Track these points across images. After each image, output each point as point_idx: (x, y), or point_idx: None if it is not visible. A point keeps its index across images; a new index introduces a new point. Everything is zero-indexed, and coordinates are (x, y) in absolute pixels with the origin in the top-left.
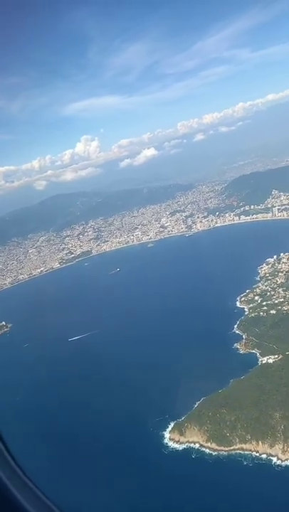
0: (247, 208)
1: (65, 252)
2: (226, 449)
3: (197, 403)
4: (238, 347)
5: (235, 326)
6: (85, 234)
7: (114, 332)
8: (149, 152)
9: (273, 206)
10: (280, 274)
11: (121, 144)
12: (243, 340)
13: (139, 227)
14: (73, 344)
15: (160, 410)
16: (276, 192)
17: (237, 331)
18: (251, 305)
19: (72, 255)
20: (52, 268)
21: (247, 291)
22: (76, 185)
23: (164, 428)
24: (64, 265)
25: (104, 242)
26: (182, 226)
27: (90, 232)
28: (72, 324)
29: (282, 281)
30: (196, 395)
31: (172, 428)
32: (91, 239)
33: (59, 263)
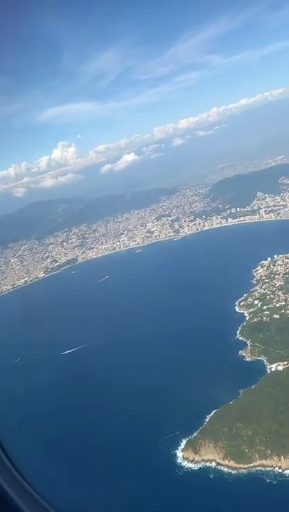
0: (233, 211)
1: (49, 260)
2: (246, 466)
3: (208, 417)
4: (244, 354)
5: (238, 332)
6: (69, 241)
7: (109, 344)
8: (130, 157)
9: (260, 208)
10: (276, 276)
11: (98, 149)
12: (248, 347)
13: (125, 232)
14: (66, 359)
15: (169, 426)
16: (261, 194)
17: (240, 338)
18: (251, 309)
19: (57, 263)
20: (37, 277)
21: (245, 295)
22: (56, 191)
23: (176, 446)
24: (49, 274)
25: (89, 249)
26: (169, 230)
27: (74, 239)
28: (64, 336)
29: (281, 283)
30: (205, 408)
31: (185, 446)
32: (76, 246)
33: (44, 272)
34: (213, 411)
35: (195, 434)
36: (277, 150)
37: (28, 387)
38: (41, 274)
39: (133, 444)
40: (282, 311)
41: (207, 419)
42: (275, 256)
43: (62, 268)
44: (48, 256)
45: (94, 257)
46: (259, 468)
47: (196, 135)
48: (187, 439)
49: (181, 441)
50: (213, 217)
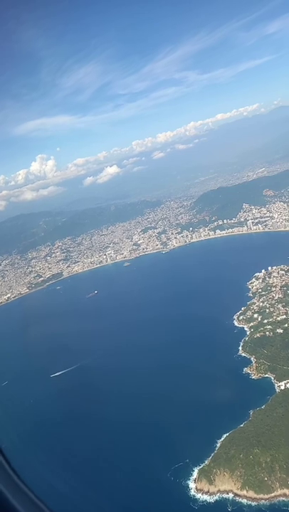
0: (220, 223)
1: (32, 275)
2: (266, 496)
3: (219, 442)
4: (249, 372)
5: (240, 347)
6: (53, 255)
7: (103, 364)
8: (112, 170)
9: (247, 220)
10: (273, 289)
11: (77, 162)
12: (253, 364)
13: (111, 245)
14: (56, 382)
15: (178, 454)
16: (247, 206)
17: (243, 354)
18: (251, 324)
19: (42, 278)
20: (20, 294)
21: (242, 308)
22: (37, 204)
23: (188, 476)
24: (34, 290)
25: (75, 263)
26: (157, 243)
27: (58, 253)
28: (53, 357)
29: (280, 296)
30: (215, 431)
31: (198, 475)
32: (60, 260)
33: (27, 288)
34: (224, 435)
35: (207, 462)
36: (257, 163)
37: (9, 418)
38: (25, 290)
39: (141, 476)
40: (286, 325)
41: (218, 445)
42: (269, 268)
43: (47, 283)
44: (32, 271)
45: (80, 271)
46: (281, 498)
47: (175, 148)
48: (199, 467)
49: (193, 471)
50: (201, 229)
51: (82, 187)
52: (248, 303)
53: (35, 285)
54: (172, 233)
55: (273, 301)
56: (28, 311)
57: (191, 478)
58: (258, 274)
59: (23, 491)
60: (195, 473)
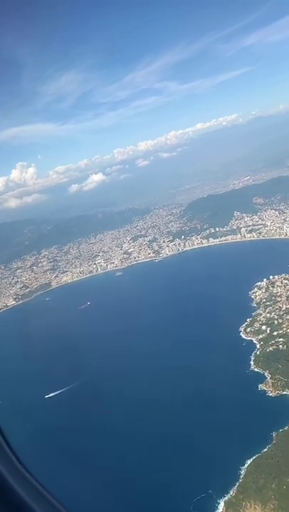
0: (212, 231)
1: (18, 286)
2: None
3: (244, 469)
4: (265, 388)
5: (251, 362)
6: (39, 265)
7: (102, 382)
8: (98, 177)
9: (239, 227)
10: (279, 299)
11: (58, 170)
12: (269, 380)
13: (100, 254)
14: (51, 404)
15: (198, 483)
16: (238, 213)
17: (256, 369)
18: (260, 336)
19: (29, 289)
20: (6, 306)
21: (248, 320)
22: (21, 212)
23: (213, 510)
24: (20, 301)
25: (63, 273)
26: (148, 251)
27: (45, 263)
28: (49, 374)
29: (288, 307)
30: (237, 457)
31: (225, 509)
32: (47, 270)
33: (14, 299)
34: (248, 461)
35: (233, 493)
36: (241, 171)
37: None
38: (11, 302)
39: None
40: None
41: (243, 472)
42: (271, 277)
43: (35, 294)
44: (17, 281)
45: (69, 281)
46: None
47: (158, 157)
48: (224, 499)
49: (218, 503)
50: (193, 237)
51: (67, 194)
52: (253, 314)
53: (23, 296)
54: (164, 241)
55: (281, 312)
56: (17, 324)
57: None
58: (259, 283)
59: (22, 473)
60: (221, 507)
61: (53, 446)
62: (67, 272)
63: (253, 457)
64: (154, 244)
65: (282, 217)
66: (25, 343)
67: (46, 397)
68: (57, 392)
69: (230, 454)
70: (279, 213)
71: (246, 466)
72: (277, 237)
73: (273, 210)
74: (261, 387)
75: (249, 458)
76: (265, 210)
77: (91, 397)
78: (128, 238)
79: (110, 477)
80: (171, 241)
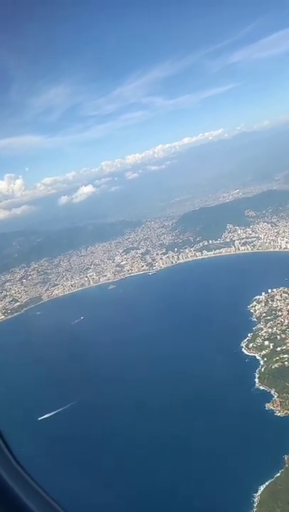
0: (206, 243)
1: (7, 299)
2: None
3: (257, 496)
4: (273, 408)
5: (256, 379)
6: (29, 277)
7: (100, 403)
8: (88, 189)
9: (232, 240)
10: (279, 313)
11: (45, 182)
12: (276, 399)
13: (92, 267)
14: (44, 427)
15: None
16: (231, 226)
17: (261, 387)
18: (263, 352)
19: (18, 303)
20: None
21: (249, 335)
22: (8, 224)
23: None
24: (10, 316)
25: (54, 286)
26: (142, 264)
27: (35, 276)
28: (42, 393)
29: None
30: (248, 483)
31: None
32: (37, 283)
33: (3, 314)
34: (261, 487)
35: None
36: (230, 185)
37: None
38: (0, 317)
39: None
40: None
41: (257, 499)
42: (270, 290)
43: (25, 308)
44: (6, 295)
45: (60, 294)
46: None
47: (147, 170)
48: None
49: None
50: (187, 250)
51: (56, 206)
52: (254, 328)
53: (12, 311)
54: (157, 254)
55: (283, 327)
56: (7, 340)
57: None
58: (258, 297)
59: (21, 475)
60: None
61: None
62: (58, 285)
63: (266, 483)
64: (147, 256)
65: (275, 230)
66: (17, 360)
67: (39, 419)
68: (52, 414)
69: (242, 480)
70: (271, 226)
71: (259, 493)
72: (272, 249)
73: (266, 223)
74: (268, 406)
75: (262, 484)
76: (258, 223)
77: (87, 420)
78: (120, 250)
79: None
80: (164, 253)
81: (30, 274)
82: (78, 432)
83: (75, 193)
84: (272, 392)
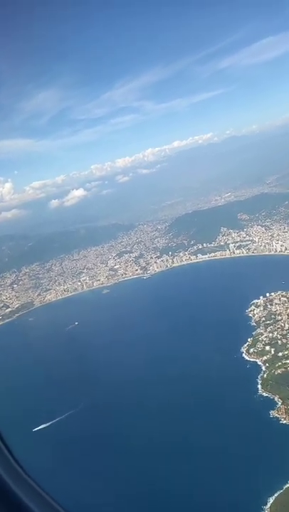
0: (200, 247)
1: None
2: None
3: (266, 509)
4: (278, 415)
5: (259, 386)
6: (20, 282)
7: (98, 412)
8: (79, 193)
9: (227, 243)
10: (279, 317)
11: (34, 185)
12: (281, 406)
13: (85, 271)
14: (38, 439)
15: None
16: (225, 229)
17: (264, 393)
18: (265, 357)
19: (9, 309)
20: None
21: (249, 339)
22: None
23: None
24: (1, 322)
25: (46, 291)
26: (136, 268)
27: (26, 280)
28: (37, 403)
29: None
30: (258, 495)
31: None
32: (29, 288)
33: None
34: (270, 499)
35: None
36: (221, 188)
37: None
38: None
39: None
40: None
41: None
42: (268, 294)
43: (17, 314)
44: None
45: (53, 299)
46: None
47: (138, 173)
48: None
49: None
50: (181, 253)
51: (47, 210)
52: (254, 333)
53: (3, 316)
54: (151, 257)
55: (284, 332)
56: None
57: None
58: (256, 301)
59: (21, 475)
60: None
61: None
62: (50, 289)
63: (276, 494)
64: (141, 260)
65: (269, 233)
66: (10, 368)
67: (34, 430)
68: (48, 424)
69: (251, 491)
70: (265, 229)
71: (269, 505)
72: (267, 253)
73: (259, 226)
74: (273, 413)
75: (271, 495)
76: (252, 226)
77: (84, 431)
78: (113, 254)
79: None
80: (158, 257)
81: (21, 279)
82: (75, 448)
83: (65, 196)
84: (276, 398)
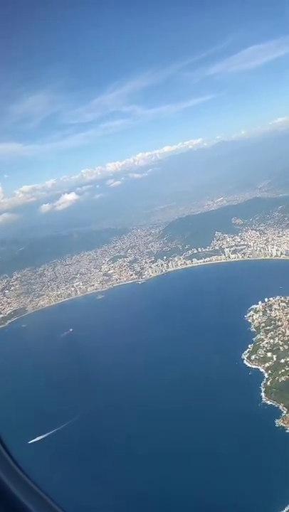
0: (195, 251)
1: None
2: None
3: None
4: (283, 425)
5: (262, 394)
6: (11, 288)
7: (97, 421)
8: (70, 197)
9: (222, 248)
10: (279, 323)
11: (23, 189)
12: (286, 415)
13: (78, 276)
14: (34, 453)
15: None
16: (220, 234)
17: (268, 402)
18: (267, 364)
19: (1, 315)
20: None
21: (249, 346)
22: None
23: None
24: None
25: (39, 297)
26: (130, 273)
27: (18, 286)
28: (33, 413)
29: None
30: (272, 504)
31: None
32: (21, 293)
33: None
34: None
35: None
36: (213, 193)
37: None
38: None
39: None
40: None
41: None
42: (266, 299)
43: (9, 320)
44: None
45: (46, 305)
46: None
47: (129, 177)
48: None
49: None
50: (176, 258)
51: (38, 214)
52: (254, 339)
53: None
54: (146, 262)
55: (286, 338)
56: None
57: None
58: (255, 306)
59: (21, 477)
60: None
61: None
62: (43, 295)
63: (286, 508)
64: (136, 265)
65: (264, 238)
66: (4, 378)
67: (30, 442)
68: (44, 436)
69: (261, 505)
70: (260, 234)
71: None
72: (263, 257)
73: (254, 231)
74: (279, 423)
75: (281, 510)
76: (246, 231)
77: (83, 444)
78: (107, 259)
79: None
80: (153, 262)
81: (12, 285)
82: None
83: (57, 200)
84: (281, 407)
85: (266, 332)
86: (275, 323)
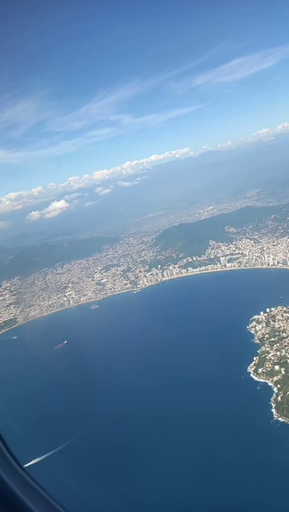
0: (190, 260)
1: None
2: None
3: None
4: None
5: (273, 410)
6: (1, 298)
7: (97, 444)
8: (60, 204)
9: (217, 256)
10: (283, 334)
11: (9, 197)
12: None
13: (70, 285)
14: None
15: None
16: (214, 242)
17: (280, 419)
18: (276, 378)
19: None
20: None
21: (255, 358)
22: None
23: None
24: None
25: (29, 307)
26: (124, 282)
27: (8, 296)
28: (28, 435)
29: None
30: None
31: None
32: (11, 304)
33: None
34: None
35: None
36: (203, 201)
37: None
38: None
39: None
40: None
41: None
42: (268, 309)
43: None
44: None
45: (38, 316)
46: None
47: (118, 185)
48: None
49: None
50: (171, 267)
51: (26, 222)
52: (259, 351)
53: None
54: (140, 271)
55: None
56: None
57: None
58: (257, 316)
59: (22, 476)
60: None
61: None
62: (34, 305)
63: None
64: (130, 274)
65: (259, 247)
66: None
67: (25, 466)
68: (42, 457)
69: None
70: (254, 242)
71: None
72: (259, 266)
73: (248, 240)
74: None
75: None
76: (240, 239)
77: (81, 467)
78: (99, 268)
79: None
80: (147, 271)
81: (1, 294)
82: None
83: (46, 208)
84: None
85: (271, 344)
86: (279, 335)
